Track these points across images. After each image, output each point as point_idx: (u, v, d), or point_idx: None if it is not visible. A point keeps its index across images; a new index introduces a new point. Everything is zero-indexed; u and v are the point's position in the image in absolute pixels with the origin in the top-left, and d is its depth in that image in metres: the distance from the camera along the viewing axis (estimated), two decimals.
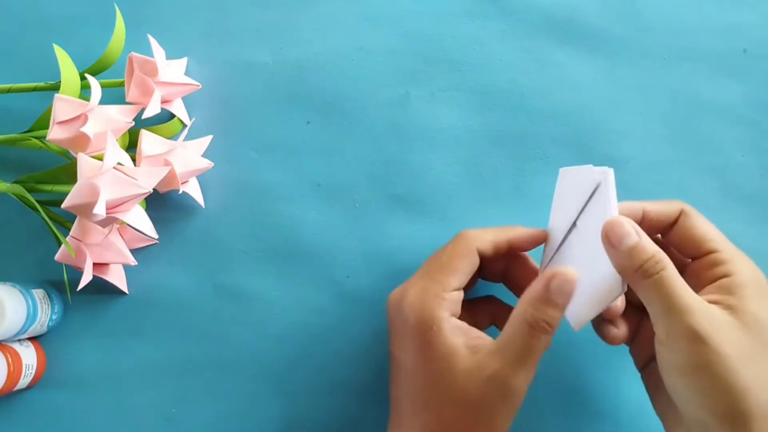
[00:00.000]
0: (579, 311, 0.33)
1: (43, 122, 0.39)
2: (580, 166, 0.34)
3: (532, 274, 0.36)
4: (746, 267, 0.32)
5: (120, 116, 0.37)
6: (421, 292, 0.33)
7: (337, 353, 0.40)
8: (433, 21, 0.43)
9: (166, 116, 0.41)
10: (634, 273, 0.30)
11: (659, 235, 0.35)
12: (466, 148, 0.42)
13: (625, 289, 0.31)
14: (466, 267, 0.34)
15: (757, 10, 0.44)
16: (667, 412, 0.33)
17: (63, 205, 0.33)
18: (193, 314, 0.41)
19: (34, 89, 0.40)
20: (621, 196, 0.33)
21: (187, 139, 0.41)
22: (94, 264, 0.37)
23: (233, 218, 0.41)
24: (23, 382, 0.37)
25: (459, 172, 0.42)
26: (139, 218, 0.36)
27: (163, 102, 0.40)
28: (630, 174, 0.42)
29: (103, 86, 0.38)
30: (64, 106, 0.35)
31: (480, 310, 0.38)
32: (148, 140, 0.38)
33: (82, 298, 0.40)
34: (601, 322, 0.36)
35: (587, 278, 0.32)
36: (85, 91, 0.39)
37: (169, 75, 0.40)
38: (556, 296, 0.31)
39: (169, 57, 0.41)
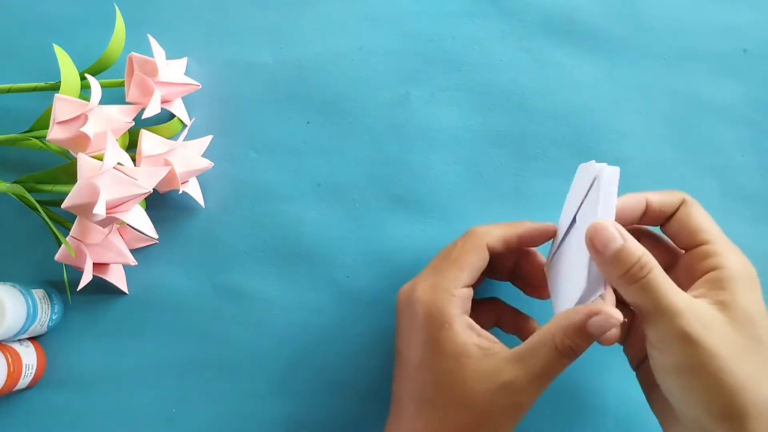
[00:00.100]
0: (562, 305, 0.33)
1: (43, 122, 0.39)
2: (593, 162, 0.33)
3: (540, 269, 0.36)
4: (737, 260, 0.31)
5: (120, 116, 0.37)
6: (431, 287, 0.33)
7: (337, 353, 0.40)
8: (433, 21, 0.43)
9: (166, 116, 0.41)
10: (619, 278, 0.30)
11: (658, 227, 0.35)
12: (466, 148, 0.42)
13: (607, 287, 0.31)
14: (476, 262, 0.34)
15: (757, 10, 0.44)
16: (663, 411, 0.33)
17: (63, 205, 0.33)
18: (193, 314, 0.41)
19: (34, 89, 0.40)
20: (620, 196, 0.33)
21: (187, 139, 0.41)
22: (94, 264, 0.37)
23: (233, 218, 0.41)
24: (23, 382, 0.37)
25: (459, 172, 0.42)
26: (139, 218, 0.36)
27: (163, 102, 0.40)
28: (630, 174, 0.42)
29: (103, 86, 0.38)
30: (64, 106, 0.35)
31: (484, 311, 0.38)
32: (148, 140, 0.38)
33: (82, 298, 0.40)
34: None
35: (574, 272, 0.32)
36: (85, 91, 0.39)
37: (169, 75, 0.40)
38: (594, 330, 0.30)
39: (169, 57, 0.41)
